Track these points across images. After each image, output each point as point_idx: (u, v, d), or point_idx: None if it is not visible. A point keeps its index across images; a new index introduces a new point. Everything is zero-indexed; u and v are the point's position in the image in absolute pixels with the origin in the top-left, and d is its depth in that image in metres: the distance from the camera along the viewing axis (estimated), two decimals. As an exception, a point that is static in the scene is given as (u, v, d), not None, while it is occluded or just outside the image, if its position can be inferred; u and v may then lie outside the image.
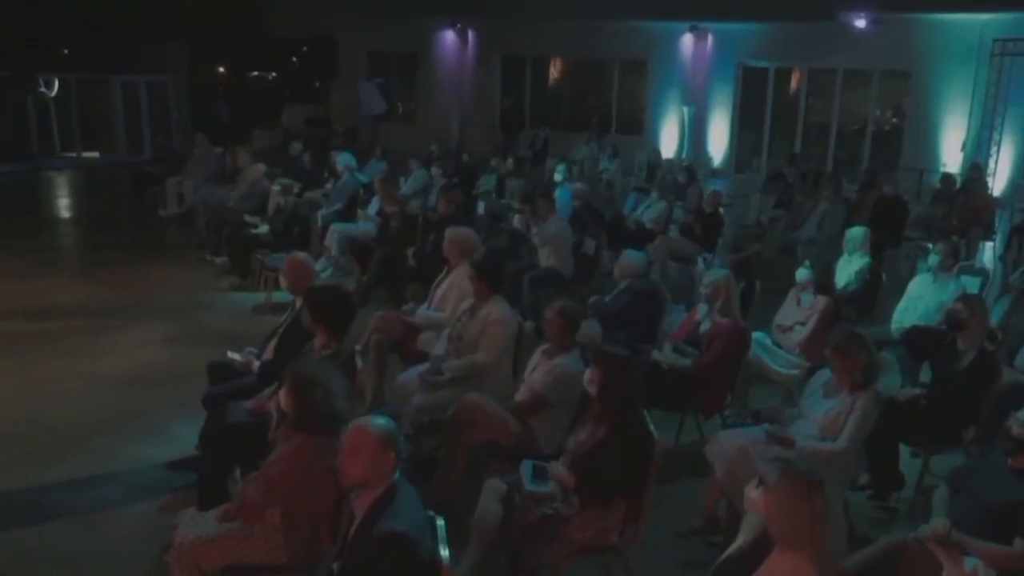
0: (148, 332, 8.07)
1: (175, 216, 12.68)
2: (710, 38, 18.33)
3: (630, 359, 3.87)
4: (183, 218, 12.74)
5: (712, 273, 5.57)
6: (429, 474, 4.81)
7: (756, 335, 6.04)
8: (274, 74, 32.67)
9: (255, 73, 32.65)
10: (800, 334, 5.94)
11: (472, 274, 5.30)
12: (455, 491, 4.58)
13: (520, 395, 4.68)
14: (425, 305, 6.21)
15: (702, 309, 5.62)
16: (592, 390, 3.85)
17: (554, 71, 22.30)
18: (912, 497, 4.97)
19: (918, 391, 5.02)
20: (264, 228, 9.78)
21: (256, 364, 5.22)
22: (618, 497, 3.68)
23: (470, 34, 22.72)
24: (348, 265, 9.75)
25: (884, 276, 7.27)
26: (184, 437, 5.41)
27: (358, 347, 4.76)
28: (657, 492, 5.13)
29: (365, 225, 10.28)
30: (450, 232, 6.29)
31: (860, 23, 15.52)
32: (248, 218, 10.43)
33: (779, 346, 6.05)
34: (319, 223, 9.24)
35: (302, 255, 5.70)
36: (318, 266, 10.31)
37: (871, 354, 4.24)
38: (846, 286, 7.01)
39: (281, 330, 5.27)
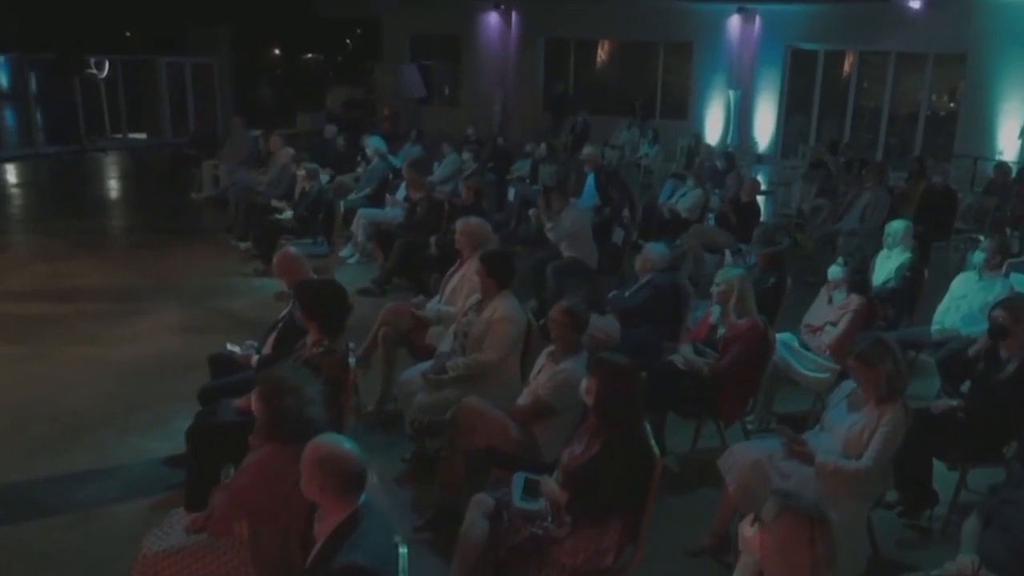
0: (166, 318, 7.97)
1: (207, 199, 12.59)
2: (758, 20, 17.79)
3: (630, 367, 3.57)
4: (215, 202, 12.65)
5: (724, 272, 5.22)
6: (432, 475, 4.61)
7: (782, 336, 5.69)
8: (319, 56, 32.66)
9: (302, 56, 32.69)
10: (831, 335, 5.55)
11: (479, 268, 5.04)
12: (455, 495, 4.35)
13: (523, 399, 4.42)
14: (436, 298, 5.96)
15: (715, 311, 5.27)
16: (588, 401, 3.57)
17: (598, 54, 21.86)
18: (946, 515, 4.60)
19: (955, 402, 4.62)
20: (288, 214, 9.61)
21: (255, 359, 5.04)
22: (614, 517, 3.40)
23: (513, 17, 22.39)
24: (374, 252, 9.55)
25: (927, 273, 6.82)
26: (187, 431, 5.26)
27: (352, 344, 4.50)
28: (669, 503, 4.88)
29: (393, 211, 10.08)
30: (462, 222, 6.03)
31: (914, 4, 14.91)
32: (275, 203, 10.29)
33: (807, 347, 5.68)
34: (342, 209, 9.00)
35: (293, 250, 5.48)
36: (344, 252, 10.24)
37: (897, 362, 3.89)
38: (885, 283, 6.60)
39: (281, 324, 5.07)
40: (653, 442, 3.48)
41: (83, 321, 7.86)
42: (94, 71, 23.18)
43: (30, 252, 10.53)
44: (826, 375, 5.40)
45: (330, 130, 14.29)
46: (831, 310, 5.69)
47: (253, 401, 3.33)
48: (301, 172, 9.68)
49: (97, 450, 5.43)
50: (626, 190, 9.20)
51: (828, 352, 5.52)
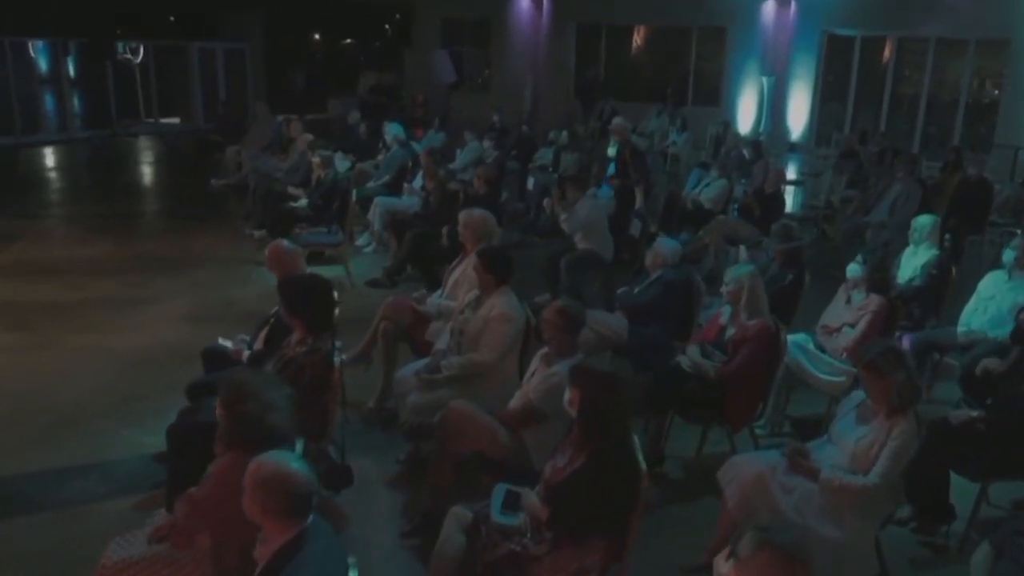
0: (175, 308, 7.89)
1: (226, 186, 12.50)
2: (793, 5, 17.34)
3: (614, 376, 3.36)
4: (235, 188, 12.57)
5: (734, 270, 4.95)
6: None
7: (795, 337, 5.43)
8: (350, 41, 32.50)
9: (341, 41, 32.54)
10: (848, 337, 5.27)
11: (477, 263, 4.84)
12: (445, 501, 4.15)
13: (514, 403, 4.22)
14: (439, 292, 5.78)
15: (726, 311, 5.01)
16: (572, 412, 3.36)
17: (631, 39, 21.49)
18: (964, 532, 4.33)
19: (975, 413, 4.32)
20: (303, 201, 9.48)
21: (246, 354, 4.89)
22: (597, 535, 3.19)
23: (545, 1, 22.08)
24: (390, 241, 9.39)
25: (956, 270, 6.49)
26: (182, 426, 5.14)
27: (339, 343, 4.33)
28: (670, 513, 4.67)
29: (410, 200, 9.92)
30: (465, 214, 5.82)
31: (956, -12, 14.38)
32: (292, 190, 10.17)
33: (823, 350, 5.40)
34: (354, 197, 8.83)
35: (285, 242, 5.31)
36: (360, 241, 10.09)
37: (910, 373, 3.63)
38: (910, 281, 6.30)
39: (272, 320, 4.91)
40: (640, 456, 3.25)
41: (92, 309, 7.82)
42: (129, 56, 23.30)
43: (49, 237, 10.54)
44: (842, 379, 5.12)
45: (353, 116, 14.16)
46: (849, 310, 5.40)
47: (217, 406, 3.17)
48: (316, 159, 9.51)
49: (90, 443, 5.34)
50: (645, 173, 8.87)
51: (845, 355, 5.25)
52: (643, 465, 3.21)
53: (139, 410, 5.77)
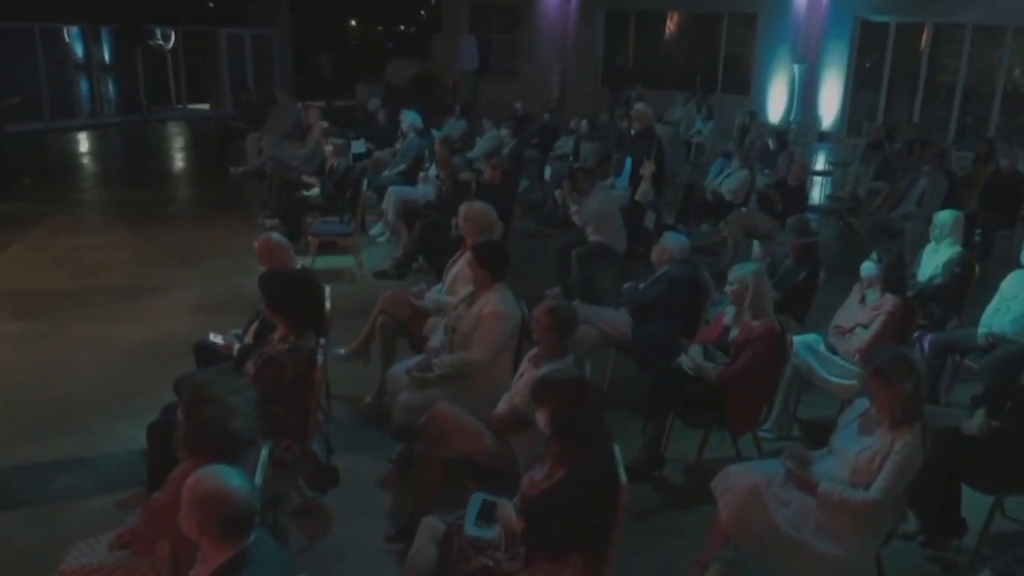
0: (183, 298, 7.82)
1: (245, 173, 12.43)
2: (826, -10, 16.89)
3: (577, 383, 3.16)
4: (253, 176, 12.49)
5: (739, 268, 4.72)
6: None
7: (805, 338, 5.20)
8: (380, 28, 32.37)
9: (362, 27, 32.41)
10: (861, 338, 5.03)
11: (471, 258, 4.68)
12: (430, 505, 4.01)
13: (501, 407, 4.05)
14: (439, 287, 5.62)
15: (730, 311, 4.79)
16: (545, 430, 3.18)
17: (660, 26, 21.13)
18: (976, 547, 4.10)
19: (994, 424, 4.05)
20: (315, 190, 9.37)
21: (236, 348, 4.78)
22: (574, 551, 3.03)
23: (573, -13, 21.83)
24: (401, 231, 9.25)
25: (981, 267, 6.20)
26: (176, 420, 5.05)
27: (323, 341, 4.19)
28: (668, 519, 4.49)
29: (424, 188, 9.76)
30: (465, 207, 5.66)
31: (994, -27, 13.89)
32: (306, 178, 10.06)
33: (834, 351, 5.16)
34: (365, 186, 8.70)
35: (275, 235, 5.17)
36: (374, 230, 9.96)
37: (919, 384, 3.41)
38: (931, 279, 6.03)
39: (262, 314, 4.78)
40: (621, 468, 3.07)
41: (99, 298, 7.77)
42: (160, 42, 23.38)
43: (66, 224, 10.51)
44: (852, 382, 4.88)
45: (373, 103, 14.01)
46: (863, 310, 5.16)
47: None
48: (328, 147, 9.38)
49: (82, 437, 5.26)
50: (662, 162, 8.61)
51: (856, 357, 5.01)
52: (624, 478, 3.03)
53: (135, 404, 5.67)
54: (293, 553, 4.14)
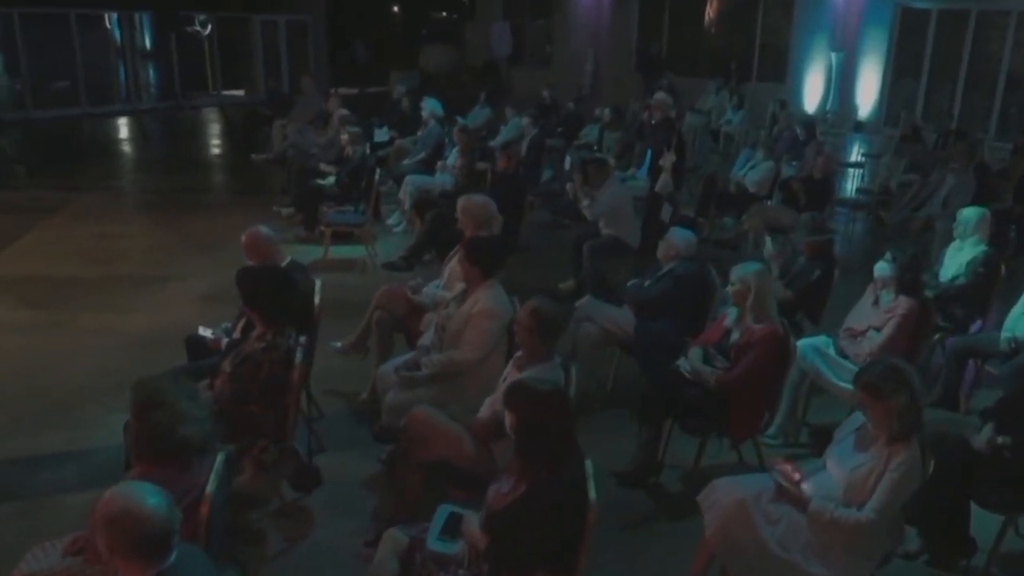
0: (194, 287, 7.77)
1: (266, 161, 12.38)
2: (865, -24, 16.42)
3: (552, 396, 2.98)
4: (275, 163, 12.45)
5: (741, 268, 4.50)
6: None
7: (814, 340, 4.98)
8: (440, 14, 32.12)
9: (402, 13, 32.25)
10: (873, 342, 4.79)
11: (462, 255, 4.52)
12: (411, 510, 3.88)
13: (483, 412, 3.90)
14: (436, 282, 5.47)
15: (732, 313, 4.57)
16: (511, 435, 3.02)
17: (695, 12, 20.73)
18: (985, 567, 3.86)
19: (1000, 439, 3.80)
20: (331, 179, 9.27)
21: (224, 342, 4.68)
22: (539, 569, 2.87)
23: (607, -28, 21.52)
24: (414, 221, 9.13)
25: (1004, 268, 5.90)
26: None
27: (303, 339, 4.06)
28: (660, 527, 4.31)
29: (442, 178, 9.61)
30: (463, 200, 5.51)
31: (1042, -44, 13.37)
32: (324, 167, 9.97)
33: (844, 355, 4.93)
34: (381, 175, 8.57)
35: (263, 229, 5.05)
36: (391, 220, 9.85)
37: (914, 396, 3.18)
38: (953, 279, 5.76)
39: (249, 309, 4.68)
40: (590, 484, 2.90)
41: (111, 286, 7.77)
42: (198, 28, 23.50)
43: (87, 211, 10.56)
44: (862, 388, 4.65)
45: (398, 90, 13.88)
46: (876, 312, 4.91)
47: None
48: (344, 136, 9.26)
49: (74, 430, 5.21)
50: (682, 154, 8.37)
51: (869, 361, 4.77)
52: (592, 494, 2.86)
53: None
54: (270, 556, 4.05)
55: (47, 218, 10.08)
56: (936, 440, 3.83)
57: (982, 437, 3.81)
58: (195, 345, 4.98)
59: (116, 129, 18.52)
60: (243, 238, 4.99)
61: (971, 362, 5.45)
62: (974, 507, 3.85)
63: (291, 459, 4.15)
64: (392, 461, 4.60)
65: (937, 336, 5.64)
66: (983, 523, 3.93)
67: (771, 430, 4.88)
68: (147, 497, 2.25)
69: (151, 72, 24.60)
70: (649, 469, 4.46)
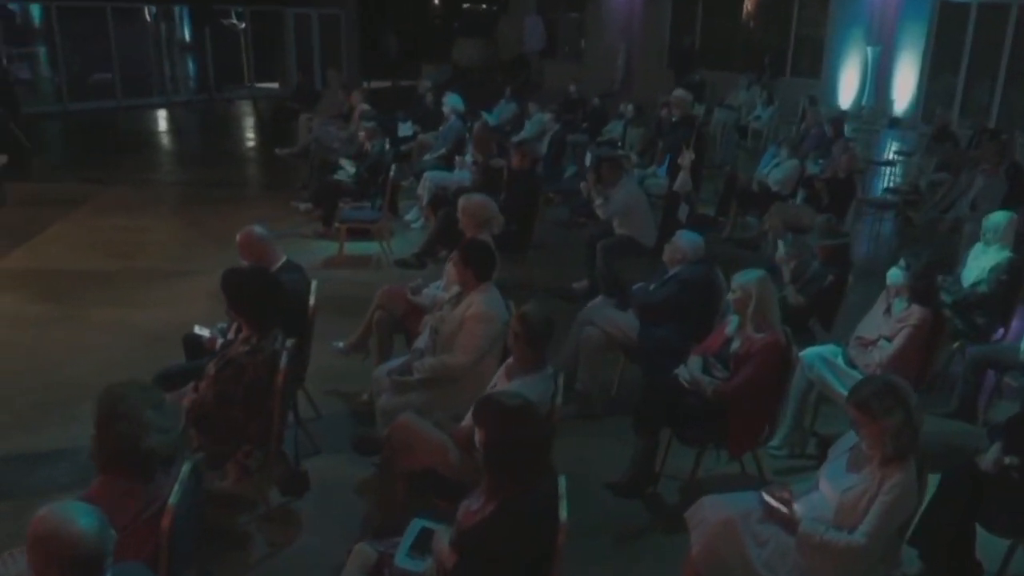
0: (208, 282, 7.63)
1: (290, 155, 12.38)
2: (904, -32, 16.02)
3: (521, 411, 2.86)
4: (299, 157, 12.45)
5: (742, 275, 4.34)
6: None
7: (822, 348, 4.81)
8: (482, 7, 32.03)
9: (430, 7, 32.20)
10: (884, 352, 4.61)
11: (456, 258, 4.42)
12: (395, 520, 3.80)
13: (467, 421, 3.79)
14: (437, 283, 5.38)
15: (733, 322, 4.41)
16: (479, 451, 2.91)
17: (728, 5, 20.41)
18: (992, 592, 3.70)
19: (1008, 460, 3.61)
20: (347, 175, 9.22)
21: (220, 343, 4.62)
22: (508, 589, 2.77)
23: (641, -35, 21.28)
24: (429, 218, 9.05)
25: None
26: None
27: (289, 342, 3.98)
28: (654, 539, 4.18)
29: (460, 174, 9.51)
30: (463, 200, 5.41)
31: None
32: (343, 162, 9.92)
33: (853, 365, 4.74)
34: (392, 172, 8.50)
35: (258, 229, 4.98)
36: (409, 216, 9.78)
37: (909, 416, 3.02)
38: (975, 285, 5.54)
39: (243, 309, 4.62)
40: (563, 503, 2.79)
41: (127, 280, 7.79)
42: (234, 21, 23.65)
43: (112, 204, 10.63)
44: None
45: (423, 85, 13.80)
46: (888, 322, 4.73)
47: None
48: (361, 131, 9.20)
49: (72, 427, 5.16)
50: (702, 151, 8.19)
51: (878, 372, 4.58)
52: (563, 514, 2.75)
53: (134, 392, 5.61)
54: (252, 561, 4.00)
55: (73, 211, 10.16)
56: (946, 454, 3.66)
57: (989, 457, 3.63)
58: (192, 344, 4.93)
59: (151, 121, 18.67)
60: (237, 237, 4.93)
61: (990, 372, 5.24)
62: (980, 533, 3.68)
63: (279, 463, 4.09)
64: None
65: (957, 344, 5.44)
66: (989, 547, 3.76)
67: (775, 441, 4.73)
68: (78, 518, 2.18)
69: (188, 65, 24.84)
70: (644, 481, 4.33)
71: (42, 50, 20.41)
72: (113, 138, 16.51)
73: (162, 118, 19.25)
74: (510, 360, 3.83)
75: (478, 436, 2.85)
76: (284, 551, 4.04)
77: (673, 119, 8.67)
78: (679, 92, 8.51)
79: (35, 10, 20.53)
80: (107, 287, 7.58)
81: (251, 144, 16.04)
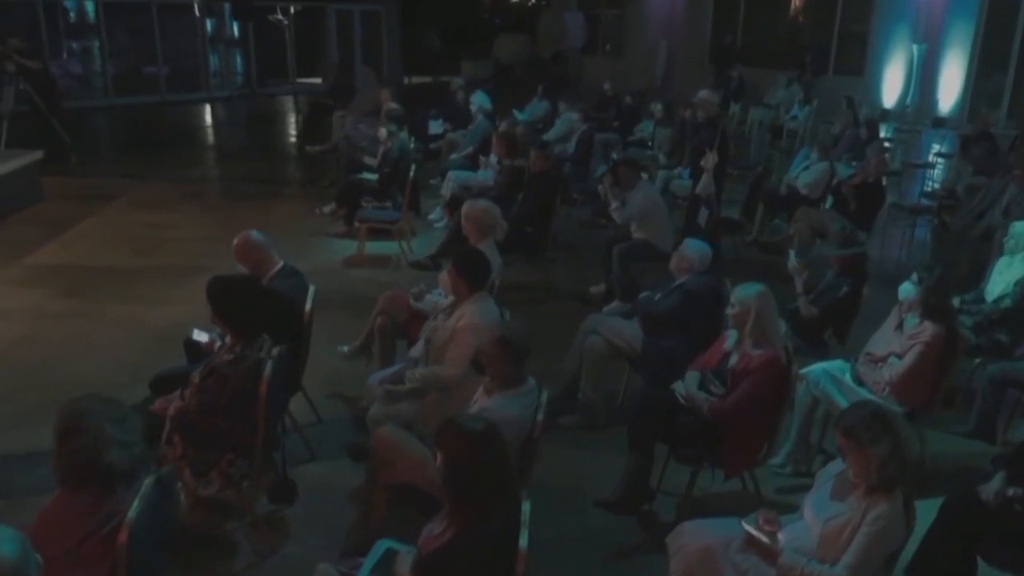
0: (227, 280, 7.77)
1: (320, 152, 12.42)
2: (952, -36, 15.57)
3: (482, 436, 2.77)
4: (329, 155, 12.48)
5: (742, 288, 4.19)
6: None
7: (830, 364, 4.64)
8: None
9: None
10: (894, 369, 4.42)
11: (450, 267, 4.35)
12: (378, 532, 3.74)
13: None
14: (439, 289, 5.31)
15: (732, 336, 4.27)
16: (439, 473, 2.83)
17: (771, 1, 20.05)
18: (993, 627, 3.52)
19: (1011, 491, 3.43)
20: (371, 174, 9.20)
21: (218, 346, 4.61)
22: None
23: (683, -39, 21.00)
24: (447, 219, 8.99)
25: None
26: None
27: (275, 351, 3.93)
28: (646, 559, 4.06)
29: (484, 174, 9.45)
30: (467, 206, 5.34)
31: None
32: (368, 160, 9.90)
33: (861, 382, 4.56)
34: (412, 171, 8.45)
35: (254, 234, 4.95)
36: (433, 215, 9.73)
37: (897, 445, 2.88)
38: (999, 299, 5.31)
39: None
40: (523, 531, 2.70)
41: (146, 277, 7.86)
42: (279, 17, 23.88)
43: (143, 199, 10.78)
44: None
45: (456, 82, 13.74)
46: (899, 338, 4.54)
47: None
48: (382, 132, 9.16)
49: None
50: (726, 154, 7.99)
51: (887, 391, 4.42)
52: (523, 542, 2.66)
53: (138, 392, 5.60)
54: (238, 570, 3.97)
55: (105, 206, 10.32)
56: (960, 475, 3.49)
57: (991, 487, 3.45)
58: (193, 347, 4.92)
59: (193, 116, 18.92)
60: (234, 242, 4.91)
61: (1012, 391, 5.02)
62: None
63: (260, 472, 4.05)
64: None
65: (978, 361, 5.22)
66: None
67: (778, 458, 4.59)
68: (2, 543, 2.15)
69: (235, 60, 25.16)
70: (635, 498, 4.20)
71: (95, 44, 20.79)
72: (155, 133, 16.75)
73: (204, 113, 19.49)
74: (487, 379, 3.73)
75: (439, 459, 2.77)
76: (269, 560, 4.01)
77: (699, 119, 8.50)
78: (704, 93, 8.32)
79: (90, 6, 20.94)
80: (126, 284, 7.66)
81: (288, 140, 16.15)
